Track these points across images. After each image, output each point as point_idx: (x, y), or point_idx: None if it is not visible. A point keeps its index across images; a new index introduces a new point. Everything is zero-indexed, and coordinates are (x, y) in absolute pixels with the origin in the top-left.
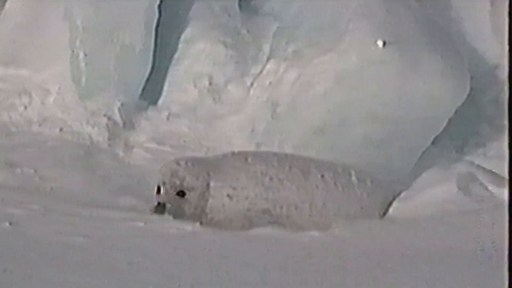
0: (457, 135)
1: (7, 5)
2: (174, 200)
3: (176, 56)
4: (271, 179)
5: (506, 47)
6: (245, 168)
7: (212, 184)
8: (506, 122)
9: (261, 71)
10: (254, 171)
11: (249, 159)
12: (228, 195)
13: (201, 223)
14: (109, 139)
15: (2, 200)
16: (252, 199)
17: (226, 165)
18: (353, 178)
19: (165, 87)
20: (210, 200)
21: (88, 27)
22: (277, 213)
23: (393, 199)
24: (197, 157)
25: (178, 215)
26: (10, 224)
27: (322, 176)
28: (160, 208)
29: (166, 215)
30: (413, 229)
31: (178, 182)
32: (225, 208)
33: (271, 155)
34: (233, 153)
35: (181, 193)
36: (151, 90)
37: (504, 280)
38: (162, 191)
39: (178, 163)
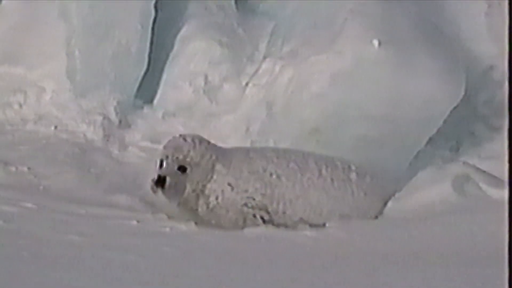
0: (452, 135)
1: (3, 3)
2: (175, 175)
3: (171, 55)
4: (270, 174)
5: (506, 47)
6: (247, 161)
7: (217, 167)
8: (506, 121)
9: (256, 71)
10: (256, 166)
11: (251, 154)
12: (229, 184)
13: (196, 209)
14: (104, 138)
15: None
16: (251, 193)
17: (232, 155)
18: (353, 174)
19: (161, 86)
20: (212, 183)
21: (83, 25)
22: (274, 209)
23: (388, 199)
24: (204, 138)
25: (178, 190)
26: (4, 221)
27: (320, 171)
28: (160, 182)
29: (161, 215)
30: (407, 229)
31: (181, 157)
32: (224, 195)
33: (270, 151)
34: (236, 148)
35: (182, 168)
36: (147, 89)
37: (501, 280)
38: (164, 165)
39: (184, 139)
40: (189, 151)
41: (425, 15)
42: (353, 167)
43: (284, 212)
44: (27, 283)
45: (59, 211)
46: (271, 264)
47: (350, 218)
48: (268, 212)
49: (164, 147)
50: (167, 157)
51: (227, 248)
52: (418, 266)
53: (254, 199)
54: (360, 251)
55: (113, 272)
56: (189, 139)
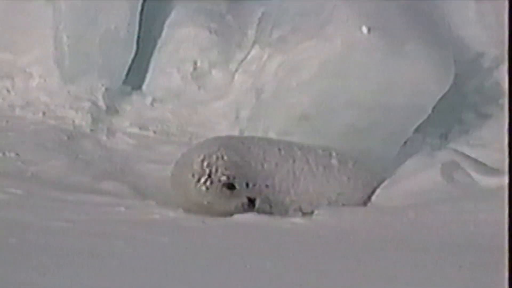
0: (441, 122)
1: None
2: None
3: (160, 41)
4: (269, 163)
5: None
6: (248, 152)
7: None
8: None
9: (245, 57)
10: (256, 155)
11: (246, 143)
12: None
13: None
14: (92, 124)
15: None
16: (254, 185)
17: (233, 146)
18: (333, 160)
19: (149, 72)
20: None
21: (72, 10)
22: (275, 199)
23: (377, 186)
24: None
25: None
26: None
27: (307, 159)
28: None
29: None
30: (396, 216)
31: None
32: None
33: (257, 139)
34: (226, 137)
35: (231, 186)
36: (135, 75)
37: (492, 267)
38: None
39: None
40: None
41: (415, 1)
42: (334, 154)
43: (282, 202)
44: (15, 269)
45: (47, 197)
46: (260, 251)
47: (338, 206)
48: (270, 204)
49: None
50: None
51: (215, 235)
52: (407, 253)
53: (259, 192)
54: (349, 238)
55: (101, 259)
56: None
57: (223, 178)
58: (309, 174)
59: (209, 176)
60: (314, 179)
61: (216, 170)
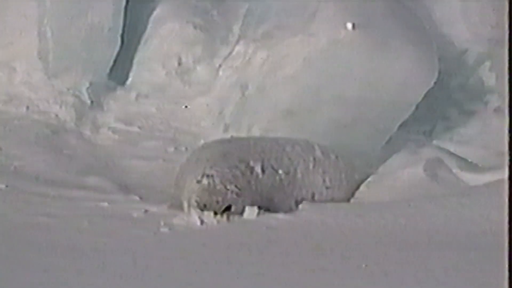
0: (425, 119)
1: None
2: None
3: (145, 36)
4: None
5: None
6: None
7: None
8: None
9: (230, 53)
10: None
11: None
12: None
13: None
14: (76, 119)
15: None
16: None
17: (240, 150)
18: (317, 152)
19: (134, 68)
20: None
21: (56, 5)
22: (279, 197)
23: (361, 182)
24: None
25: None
26: None
27: (298, 154)
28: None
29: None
30: (380, 212)
31: (221, 202)
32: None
33: (246, 138)
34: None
35: (227, 208)
36: (120, 70)
37: (474, 262)
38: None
39: (214, 186)
40: (230, 196)
41: None
42: (316, 147)
43: (284, 200)
44: None
45: (30, 192)
46: (244, 247)
47: (322, 202)
48: (273, 202)
49: (199, 198)
50: (205, 205)
51: (198, 230)
52: (390, 249)
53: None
54: (333, 234)
55: (83, 254)
56: (218, 183)
57: (226, 205)
58: (300, 169)
59: (211, 205)
60: (301, 175)
61: (217, 202)
